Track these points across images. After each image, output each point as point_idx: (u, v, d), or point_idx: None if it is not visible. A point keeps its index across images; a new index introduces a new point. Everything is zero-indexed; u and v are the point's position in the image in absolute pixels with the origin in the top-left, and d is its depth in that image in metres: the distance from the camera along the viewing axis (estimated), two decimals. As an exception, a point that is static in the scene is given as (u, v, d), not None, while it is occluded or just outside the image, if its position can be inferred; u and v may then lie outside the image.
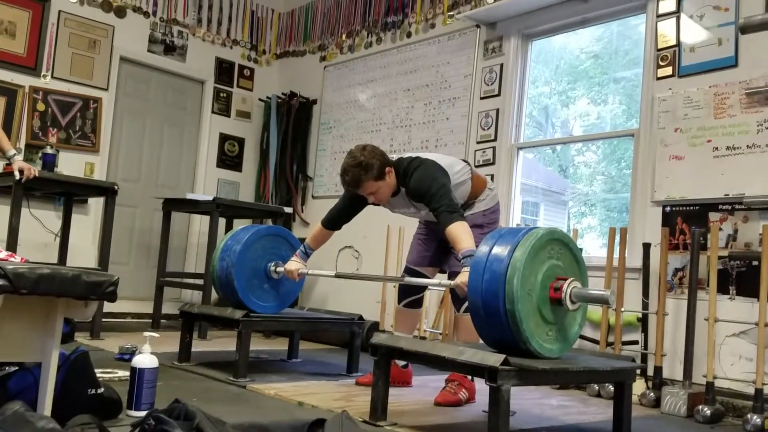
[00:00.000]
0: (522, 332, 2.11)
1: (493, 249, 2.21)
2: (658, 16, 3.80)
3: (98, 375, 2.22)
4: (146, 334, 2.38)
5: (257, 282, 3.33)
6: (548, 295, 2.21)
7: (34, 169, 3.76)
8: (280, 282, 3.39)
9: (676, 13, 3.72)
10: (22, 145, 4.85)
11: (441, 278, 3.14)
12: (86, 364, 2.11)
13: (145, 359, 2.23)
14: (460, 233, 2.64)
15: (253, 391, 2.88)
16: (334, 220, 3.21)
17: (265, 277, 3.35)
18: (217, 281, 3.33)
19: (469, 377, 2.94)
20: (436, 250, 3.21)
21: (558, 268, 2.26)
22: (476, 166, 4.62)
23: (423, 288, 3.31)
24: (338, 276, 3.20)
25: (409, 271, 3.25)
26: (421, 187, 2.85)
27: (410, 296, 3.27)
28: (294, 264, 3.23)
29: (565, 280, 2.21)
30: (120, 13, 5.46)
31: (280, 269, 3.30)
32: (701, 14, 3.62)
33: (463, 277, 2.49)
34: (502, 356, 2.03)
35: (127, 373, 2.33)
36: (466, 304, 2.85)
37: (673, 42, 3.72)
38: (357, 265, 5.29)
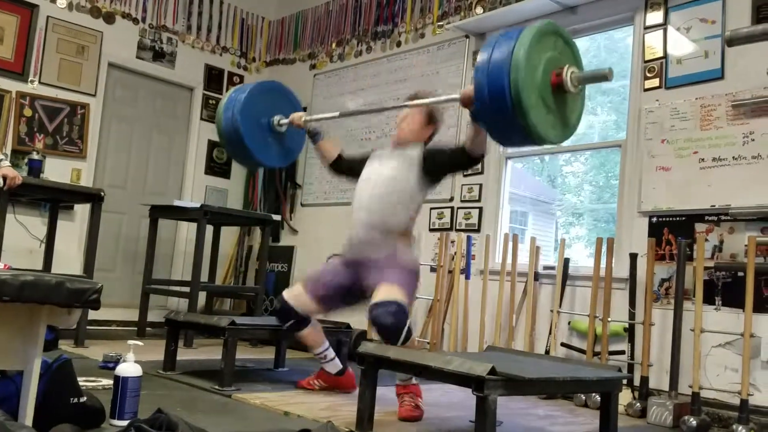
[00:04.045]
0: (528, 120, 2.19)
1: (495, 46, 2.29)
2: (646, 28, 3.84)
3: (81, 383, 2.19)
4: (130, 342, 2.36)
5: (262, 135, 3.34)
6: (550, 82, 2.29)
7: (19, 177, 3.72)
8: (285, 136, 3.41)
9: (663, 25, 3.76)
10: (8, 150, 4.81)
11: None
12: (69, 373, 2.09)
13: (129, 368, 2.20)
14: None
15: (238, 400, 2.86)
16: (343, 159, 3.31)
17: (269, 131, 3.38)
18: (225, 136, 3.34)
19: (414, 380, 2.83)
20: (346, 287, 3.03)
21: (558, 60, 2.35)
22: (465, 176, 4.63)
23: (292, 313, 3.08)
24: (342, 115, 3.39)
25: (284, 308, 3.07)
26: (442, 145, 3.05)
27: (289, 320, 3.09)
28: (297, 113, 3.32)
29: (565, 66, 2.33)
30: (109, 19, 5.44)
31: (284, 121, 3.35)
32: (688, 27, 3.65)
33: (467, 90, 2.59)
34: (489, 366, 2.02)
35: (111, 382, 2.30)
36: (401, 339, 2.68)
37: (661, 54, 3.75)
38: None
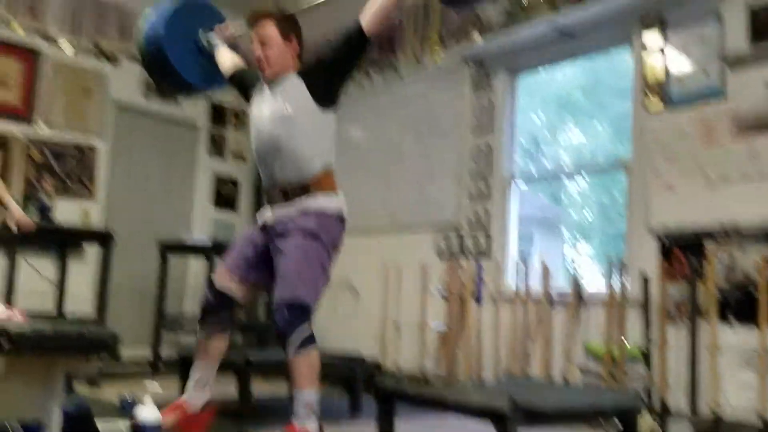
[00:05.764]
0: None
1: None
2: (644, 48, 3.86)
3: (99, 427, 2.19)
4: (147, 384, 2.36)
5: (193, 59, 3.02)
6: None
7: (32, 223, 3.73)
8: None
9: (662, 45, 3.78)
10: (17, 194, 4.84)
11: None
12: (88, 420, 2.09)
13: (148, 414, 2.20)
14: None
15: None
16: (235, 78, 2.87)
17: (199, 52, 3.04)
18: (149, 65, 3.03)
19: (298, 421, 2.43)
20: (262, 259, 2.56)
21: None
22: (471, 200, 4.64)
23: (230, 303, 2.57)
24: None
25: (210, 289, 2.58)
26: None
27: (206, 310, 2.55)
28: (223, 25, 3.02)
29: None
30: (114, 60, 5.50)
31: (210, 35, 3.01)
32: (686, 46, 3.67)
33: None
34: (510, 400, 2.01)
35: (128, 423, 2.29)
36: (298, 343, 2.34)
37: (661, 74, 3.77)
38: (354, 301, 5.27)
